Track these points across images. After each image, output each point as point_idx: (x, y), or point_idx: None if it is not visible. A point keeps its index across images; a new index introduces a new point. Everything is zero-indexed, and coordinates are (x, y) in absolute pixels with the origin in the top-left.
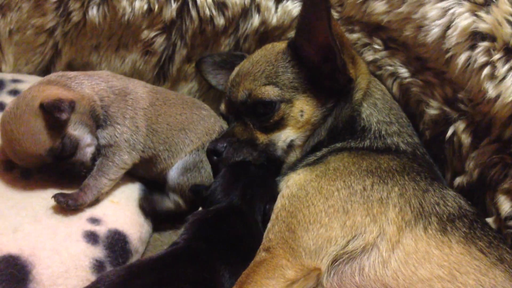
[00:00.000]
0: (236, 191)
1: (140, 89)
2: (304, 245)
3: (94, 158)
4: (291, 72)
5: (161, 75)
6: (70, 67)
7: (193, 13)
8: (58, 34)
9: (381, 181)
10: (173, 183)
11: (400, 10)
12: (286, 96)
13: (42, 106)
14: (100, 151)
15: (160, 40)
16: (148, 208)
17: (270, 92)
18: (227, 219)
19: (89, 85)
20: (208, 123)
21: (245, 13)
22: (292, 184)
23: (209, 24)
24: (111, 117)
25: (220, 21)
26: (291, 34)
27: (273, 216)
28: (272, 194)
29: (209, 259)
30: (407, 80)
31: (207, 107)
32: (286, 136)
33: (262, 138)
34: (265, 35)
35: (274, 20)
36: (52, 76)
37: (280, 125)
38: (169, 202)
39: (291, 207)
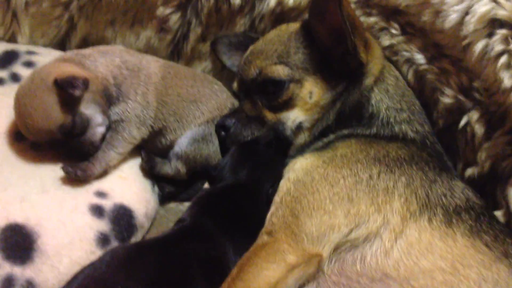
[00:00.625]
0: (244, 170)
1: (152, 64)
2: (307, 231)
3: (103, 138)
4: (302, 53)
5: (175, 53)
6: (85, 41)
7: None
8: (74, 8)
9: (388, 170)
10: (180, 150)
11: None
12: (296, 76)
13: (56, 82)
14: (110, 126)
15: (175, 17)
16: (147, 166)
17: (280, 71)
18: (233, 196)
19: (104, 63)
20: (220, 98)
21: None
22: (298, 168)
23: (225, 3)
24: (123, 94)
25: (236, 0)
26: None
27: (277, 200)
28: (278, 177)
29: (215, 235)
30: (423, 67)
31: (220, 83)
32: (294, 117)
33: (270, 116)
34: (281, 16)
35: (291, 1)
36: (68, 53)
37: (288, 105)
38: (169, 167)
39: (296, 192)
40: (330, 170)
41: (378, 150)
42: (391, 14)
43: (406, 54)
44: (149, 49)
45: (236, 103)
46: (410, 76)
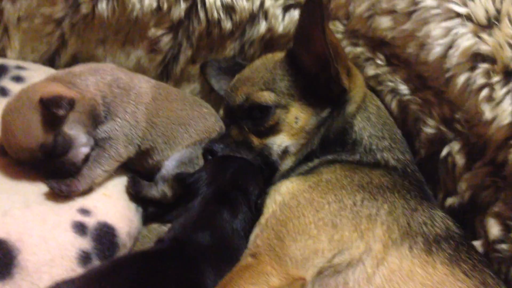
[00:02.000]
0: (224, 178)
1: (144, 84)
2: (291, 254)
3: (86, 159)
4: (288, 79)
5: (164, 74)
6: (74, 58)
7: (201, 14)
8: (66, 25)
9: (372, 197)
10: (167, 173)
11: (404, 27)
12: (282, 102)
13: (41, 101)
14: (97, 144)
15: (166, 39)
16: (133, 190)
17: (267, 97)
18: (212, 215)
19: (94, 82)
20: (208, 122)
21: (252, 18)
22: (284, 191)
23: (216, 27)
24: (112, 112)
25: (227, 24)
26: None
27: (262, 221)
28: (262, 188)
29: (194, 259)
30: (407, 97)
31: (209, 106)
32: (280, 141)
33: (257, 141)
34: (271, 42)
35: (280, 28)
36: (59, 73)
37: (274, 130)
38: (156, 190)
39: (281, 215)
40: (315, 195)
41: (362, 176)
42: (377, 45)
43: (390, 84)
44: (139, 69)
45: (224, 127)
46: (393, 105)
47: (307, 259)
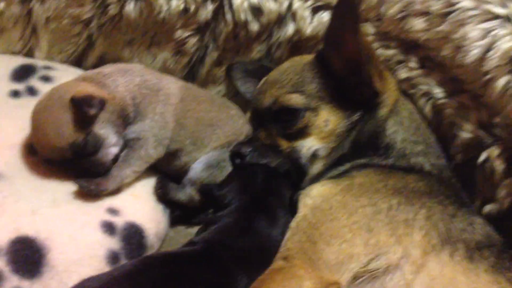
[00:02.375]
0: (256, 185)
1: (172, 85)
2: (324, 258)
3: (115, 159)
4: (317, 82)
5: (190, 76)
6: (101, 60)
7: (229, 16)
8: (94, 26)
9: (408, 201)
10: (194, 176)
11: (439, 28)
12: (312, 105)
13: (72, 100)
14: (127, 144)
15: (192, 41)
16: (161, 192)
17: (296, 99)
18: (250, 222)
19: (124, 83)
20: (236, 124)
21: (280, 20)
22: (316, 194)
23: (243, 29)
24: (141, 113)
25: (254, 26)
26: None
27: (293, 225)
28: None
29: (228, 264)
30: (441, 101)
31: (236, 108)
32: (310, 145)
33: (285, 145)
34: (298, 44)
35: (309, 30)
36: (89, 73)
37: (303, 133)
38: (183, 194)
39: (313, 218)
40: (349, 198)
41: (397, 180)
42: (410, 47)
43: (424, 87)
44: (164, 71)
45: (251, 130)
46: (427, 109)
47: (342, 263)
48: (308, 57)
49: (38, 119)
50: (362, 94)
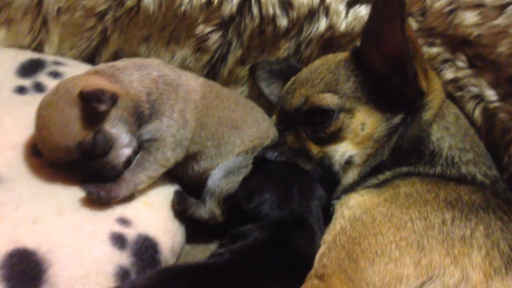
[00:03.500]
0: (293, 198)
1: (192, 81)
2: (368, 279)
3: (128, 162)
4: (353, 81)
5: (210, 75)
6: (116, 57)
7: (255, 10)
8: (109, 20)
9: (463, 216)
10: (214, 184)
11: (495, 22)
12: (347, 106)
13: (81, 94)
14: (142, 146)
15: (215, 37)
16: (180, 208)
17: (329, 99)
18: (288, 238)
19: (139, 78)
20: (262, 126)
21: (311, 15)
22: (355, 205)
23: (270, 24)
24: (158, 110)
25: (283, 21)
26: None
27: (328, 238)
28: (325, 194)
29: (257, 277)
30: (494, 104)
31: (261, 111)
32: (343, 150)
33: (316, 150)
34: (331, 41)
35: (343, 25)
36: (101, 66)
37: (336, 137)
38: (204, 210)
39: (353, 232)
40: (394, 210)
41: (448, 192)
42: (458, 44)
43: (473, 89)
44: (183, 69)
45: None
46: (477, 114)
47: (389, 285)
48: (342, 55)
49: (42, 115)
50: (404, 94)
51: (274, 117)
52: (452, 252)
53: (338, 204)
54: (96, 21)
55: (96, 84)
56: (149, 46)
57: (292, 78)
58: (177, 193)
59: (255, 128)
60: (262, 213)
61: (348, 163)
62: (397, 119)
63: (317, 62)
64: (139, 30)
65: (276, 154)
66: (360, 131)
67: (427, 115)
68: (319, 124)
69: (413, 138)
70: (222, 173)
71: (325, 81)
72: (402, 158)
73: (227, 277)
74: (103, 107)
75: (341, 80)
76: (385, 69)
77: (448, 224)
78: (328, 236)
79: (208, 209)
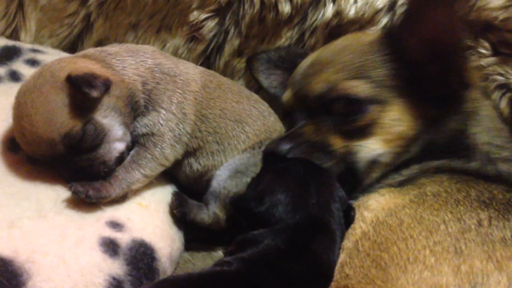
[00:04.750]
0: (311, 200)
1: (191, 70)
2: None
3: (121, 158)
4: (388, 68)
5: (205, 67)
6: (100, 46)
7: None
8: (93, 4)
9: (500, 215)
10: (219, 186)
11: None
12: (380, 97)
13: (69, 79)
14: (136, 141)
15: (211, 24)
16: (179, 212)
17: (360, 87)
18: (308, 244)
19: (133, 64)
20: (268, 120)
21: (317, 0)
22: (375, 207)
23: (272, 11)
24: (155, 102)
25: (285, 7)
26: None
27: (348, 245)
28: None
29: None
30: None
31: (266, 104)
32: (371, 147)
33: (338, 144)
34: (337, 29)
35: (352, 11)
36: (90, 50)
37: (364, 132)
38: (206, 214)
39: (378, 236)
40: (424, 212)
41: (480, 191)
42: (481, 30)
43: (499, 78)
44: None
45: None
46: (503, 105)
47: None
48: (366, 36)
49: (23, 102)
50: (446, 85)
51: (287, 97)
52: (494, 256)
53: (355, 205)
54: (79, 6)
55: (86, 67)
56: (137, 35)
57: (309, 59)
58: (176, 194)
59: (261, 122)
60: (276, 217)
61: (374, 162)
62: (432, 113)
63: (340, 43)
64: (127, 16)
65: (289, 145)
66: (391, 128)
67: (468, 107)
68: (346, 115)
69: (450, 133)
70: (228, 173)
71: (355, 65)
72: (434, 152)
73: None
74: (95, 93)
75: (374, 66)
76: (424, 55)
77: (485, 225)
78: (347, 243)
79: (211, 213)
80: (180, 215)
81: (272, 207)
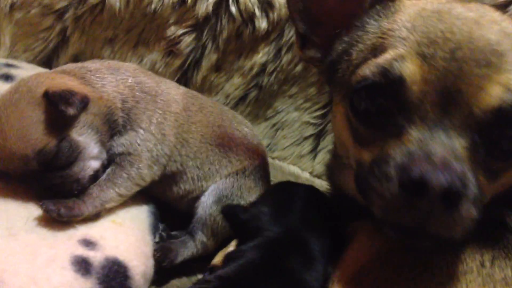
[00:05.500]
0: (292, 214)
1: (173, 91)
2: None
3: (95, 177)
4: None
5: (182, 82)
6: (76, 61)
7: (233, 9)
8: (69, 18)
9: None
10: (204, 213)
11: None
12: None
13: (46, 95)
14: (112, 160)
15: (188, 39)
16: (167, 262)
17: None
18: (281, 261)
19: (113, 82)
20: (251, 144)
21: None
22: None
23: (249, 26)
24: (133, 121)
25: (262, 23)
26: None
27: (341, 277)
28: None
29: None
30: None
31: (249, 124)
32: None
33: (485, 186)
34: None
35: None
36: (69, 66)
37: None
38: (193, 247)
39: (379, 272)
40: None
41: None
42: None
43: None
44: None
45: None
46: None
47: None
48: None
49: None
50: None
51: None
52: None
53: (351, 229)
54: (55, 20)
55: (64, 84)
56: (114, 49)
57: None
58: (157, 249)
59: (244, 146)
60: (259, 226)
61: None
62: None
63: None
64: (103, 31)
65: (446, 178)
66: None
67: None
68: None
69: None
70: (213, 199)
71: None
72: None
73: None
74: (71, 111)
75: None
76: None
77: (488, 266)
78: (340, 273)
79: (199, 243)
80: (169, 265)
81: (256, 216)
